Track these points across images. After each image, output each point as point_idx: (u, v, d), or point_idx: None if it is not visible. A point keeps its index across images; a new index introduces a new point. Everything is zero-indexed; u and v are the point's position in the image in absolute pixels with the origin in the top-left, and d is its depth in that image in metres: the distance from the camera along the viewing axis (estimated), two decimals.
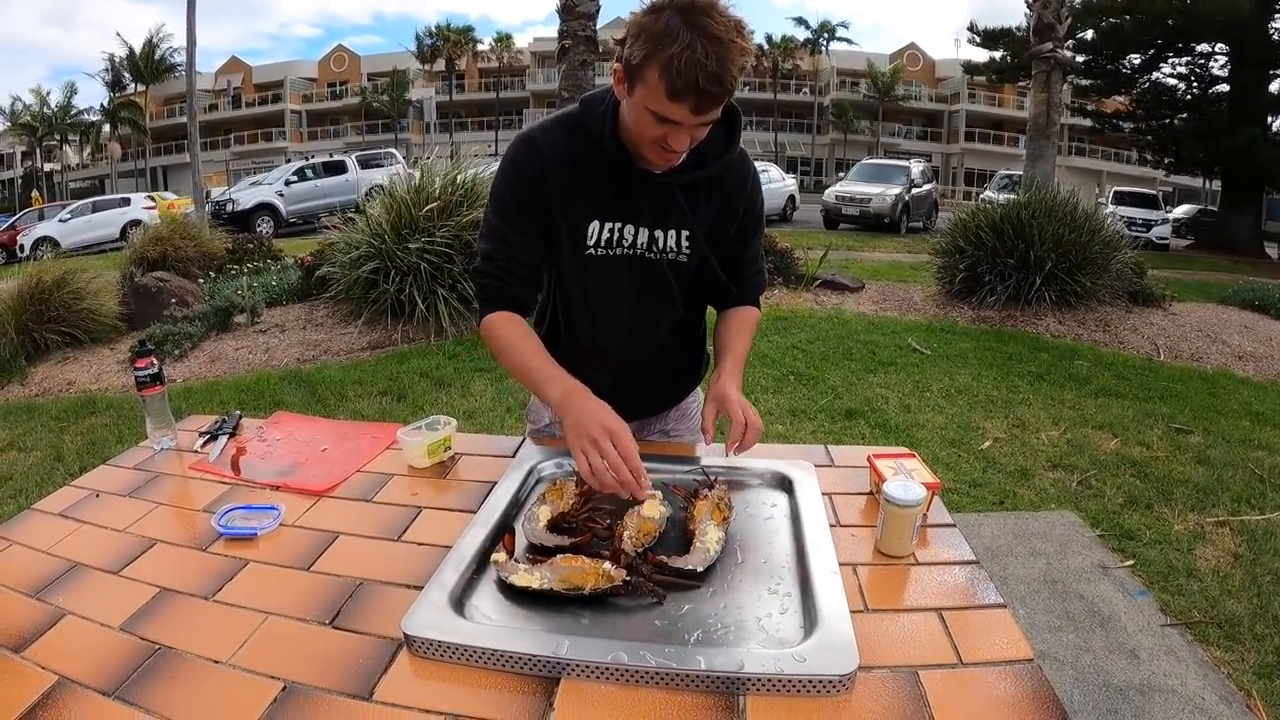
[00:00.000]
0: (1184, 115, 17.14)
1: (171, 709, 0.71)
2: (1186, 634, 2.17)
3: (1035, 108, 8.41)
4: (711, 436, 1.14)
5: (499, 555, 0.90)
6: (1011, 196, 6.59)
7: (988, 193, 13.51)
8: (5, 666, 0.77)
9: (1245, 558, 2.57)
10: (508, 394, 4.09)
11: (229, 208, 14.21)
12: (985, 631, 0.82)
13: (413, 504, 1.11)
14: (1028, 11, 8.60)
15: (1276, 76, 15.43)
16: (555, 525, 0.98)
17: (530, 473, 1.14)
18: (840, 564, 0.90)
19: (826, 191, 15.41)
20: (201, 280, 6.51)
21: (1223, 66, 16.14)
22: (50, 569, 0.95)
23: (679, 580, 0.87)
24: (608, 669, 0.73)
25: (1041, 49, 8.15)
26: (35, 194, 27.79)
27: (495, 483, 1.11)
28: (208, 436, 1.35)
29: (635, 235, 1.17)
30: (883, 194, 13.48)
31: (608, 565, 0.86)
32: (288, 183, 15.12)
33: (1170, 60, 16.75)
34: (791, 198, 16.47)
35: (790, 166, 32.58)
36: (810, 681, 0.72)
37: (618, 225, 1.17)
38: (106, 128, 36.36)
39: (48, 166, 38.08)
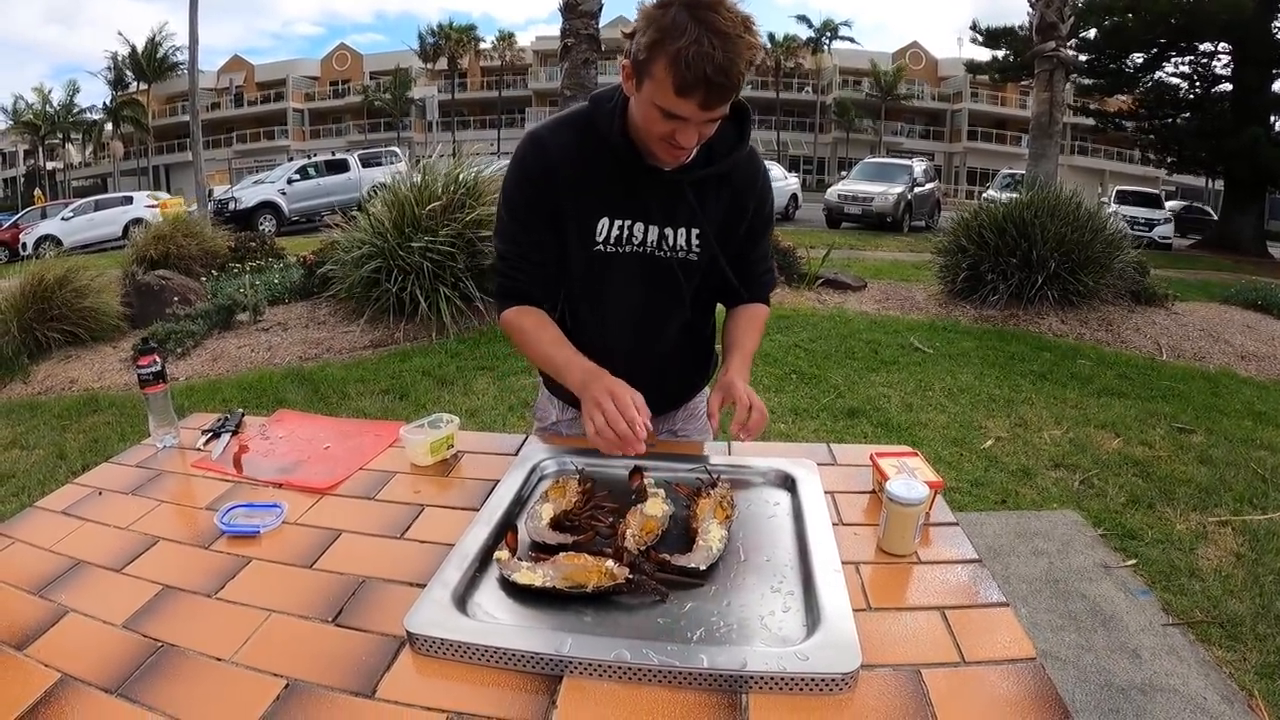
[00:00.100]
0: (1186, 115, 17.10)
1: (174, 707, 0.71)
2: (1188, 633, 2.17)
3: (1038, 107, 8.40)
4: (717, 422, 1.14)
5: (502, 553, 0.90)
6: (1014, 195, 6.57)
7: (990, 192, 13.52)
8: (8, 664, 0.77)
9: (1247, 557, 2.57)
10: (510, 392, 4.10)
11: (231, 206, 14.24)
12: (987, 630, 0.82)
13: (415, 502, 1.11)
14: (1030, 10, 8.60)
15: (1279, 76, 15.40)
16: (558, 523, 0.98)
17: (533, 470, 1.14)
18: (843, 562, 0.89)
19: (829, 190, 15.33)
20: (204, 278, 6.52)
21: (1225, 66, 16.11)
22: (53, 566, 0.96)
23: (682, 578, 0.87)
24: (610, 667, 0.73)
25: (1044, 48, 8.15)
26: (38, 192, 27.86)
27: (498, 481, 1.11)
28: (210, 434, 1.35)
29: (645, 233, 1.17)
30: (885, 193, 13.44)
31: (610, 563, 0.86)
32: (290, 181, 15.15)
33: (1173, 59, 16.71)
34: (794, 196, 16.44)
35: (793, 165, 32.56)
36: (813, 680, 0.71)
37: (627, 222, 1.17)
38: (109, 126, 36.39)
39: (50, 165, 38.08)
